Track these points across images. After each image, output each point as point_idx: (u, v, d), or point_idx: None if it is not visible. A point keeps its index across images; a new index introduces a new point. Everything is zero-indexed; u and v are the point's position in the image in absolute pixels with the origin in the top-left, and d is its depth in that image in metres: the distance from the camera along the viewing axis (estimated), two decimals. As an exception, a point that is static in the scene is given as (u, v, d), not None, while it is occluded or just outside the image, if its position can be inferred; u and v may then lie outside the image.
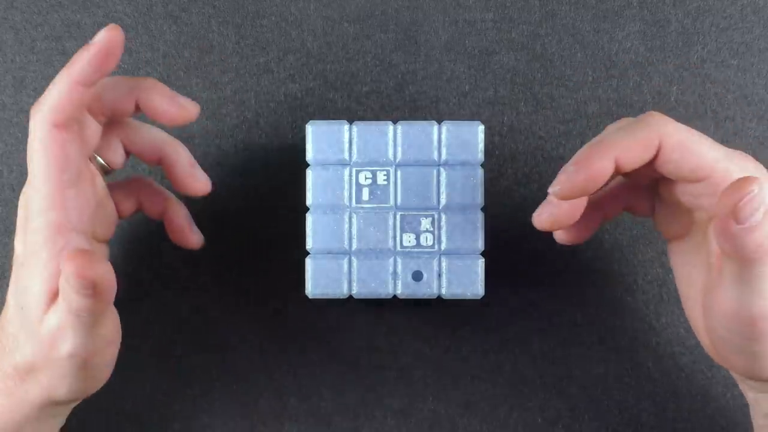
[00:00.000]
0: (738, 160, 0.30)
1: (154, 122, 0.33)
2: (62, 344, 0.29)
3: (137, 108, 0.32)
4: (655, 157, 0.30)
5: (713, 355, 0.32)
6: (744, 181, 0.27)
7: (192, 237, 0.36)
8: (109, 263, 0.28)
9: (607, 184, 0.32)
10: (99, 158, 0.33)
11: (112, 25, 0.29)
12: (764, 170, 0.30)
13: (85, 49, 0.29)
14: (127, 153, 0.34)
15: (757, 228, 0.26)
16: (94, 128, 0.32)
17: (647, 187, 0.34)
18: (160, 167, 0.35)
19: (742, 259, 0.27)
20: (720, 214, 0.27)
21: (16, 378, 0.30)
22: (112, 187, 0.34)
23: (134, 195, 0.36)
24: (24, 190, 0.31)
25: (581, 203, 0.32)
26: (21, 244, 0.31)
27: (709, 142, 0.30)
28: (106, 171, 0.34)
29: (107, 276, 0.28)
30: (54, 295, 0.29)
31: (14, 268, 0.31)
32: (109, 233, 0.34)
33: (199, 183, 0.34)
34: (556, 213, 0.32)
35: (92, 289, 0.27)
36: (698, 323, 0.32)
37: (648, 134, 0.29)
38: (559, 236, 0.35)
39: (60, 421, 0.33)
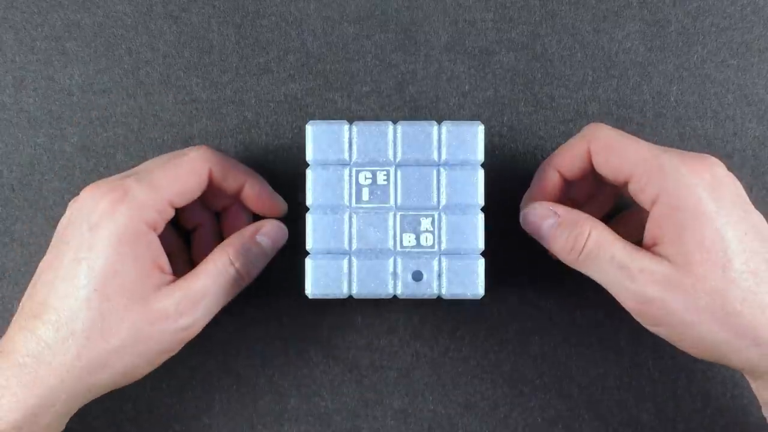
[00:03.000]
0: (666, 157, 0.31)
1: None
2: (186, 315, 0.32)
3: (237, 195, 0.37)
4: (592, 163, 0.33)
5: None
6: (524, 207, 0.35)
7: None
8: None
9: (583, 195, 0.37)
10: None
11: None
12: (695, 170, 0.30)
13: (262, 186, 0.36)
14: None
15: (551, 239, 0.33)
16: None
17: (631, 216, 0.37)
18: None
19: (576, 267, 0.33)
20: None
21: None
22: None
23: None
24: (120, 182, 0.32)
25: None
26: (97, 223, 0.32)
27: (636, 143, 0.32)
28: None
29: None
30: (159, 277, 0.32)
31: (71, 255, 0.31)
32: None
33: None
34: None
35: (277, 248, 0.36)
36: None
37: (578, 142, 0.33)
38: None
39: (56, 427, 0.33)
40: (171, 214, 0.33)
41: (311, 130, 0.35)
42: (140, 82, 0.40)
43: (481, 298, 0.35)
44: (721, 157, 0.35)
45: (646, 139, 0.39)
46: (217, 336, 0.39)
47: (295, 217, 0.38)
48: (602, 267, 0.31)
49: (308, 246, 0.35)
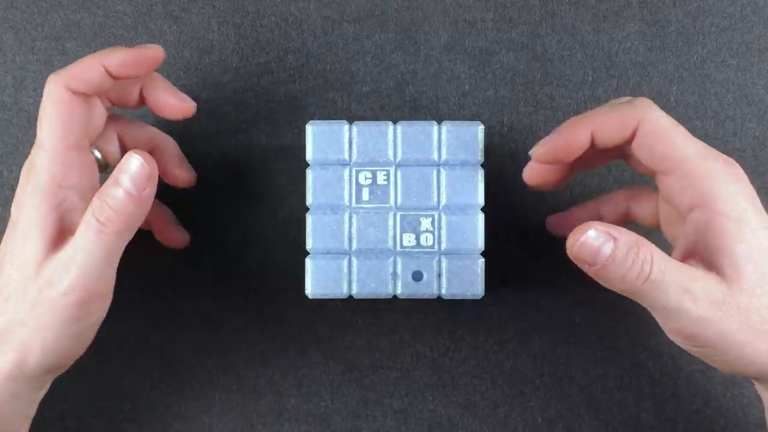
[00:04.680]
0: (714, 160, 0.30)
1: (155, 115, 0.35)
2: (62, 278, 0.30)
3: (141, 100, 0.34)
4: (632, 139, 0.30)
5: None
6: (574, 232, 0.28)
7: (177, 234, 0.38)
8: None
9: (588, 158, 0.33)
10: (96, 152, 0.34)
11: (160, 48, 0.33)
12: (736, 178, 0.30)
13: (124, 48, 0.32)
14: (123, 149, 0.36)
15: (608, 265, 0.28)
16: (100, 112, 0.33)
17: (649, 197, 0.35)
18: None
19: (628, 294, 0.29)
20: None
21: None
22: None
23: None
24: (29, 158, 0.32)
25: (561, 170, 0.34)
26: (17, 207, 0.31)
27: (688, 137, 0.30)
28: (101, 168, 0.35)
29: (156, 181, 0.31)
30: (53, 244, 0.30)
31: (6, 232, 0.31)
32: None
33: (186, 174, 0.37)
34: (536, 171, 0.34)
35: (146, 184, 0.30)
36: None
37: (627, 114, 0.30)
38: (550, 228, 0.37)
39: (22, 408, 0.32)
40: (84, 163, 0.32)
41: (311, 130, 0.35)
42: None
43: (481, 298, 0.35)
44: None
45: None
46: (217, 336, 0.39)
47: (295, 217, 0.38)
48: (665, 292, 0.28)
49: (308, 246, 0.35)
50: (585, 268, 0.29)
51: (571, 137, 0.31)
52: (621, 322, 0.39)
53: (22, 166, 0.39)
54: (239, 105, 0.39)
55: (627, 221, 0.36)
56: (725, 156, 0.30)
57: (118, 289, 0.32)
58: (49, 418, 0.38)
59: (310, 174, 0.35)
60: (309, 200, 0.35)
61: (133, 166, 0.30)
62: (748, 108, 0.39)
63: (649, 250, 0.28)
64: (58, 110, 0.31)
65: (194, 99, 0.39)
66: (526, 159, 0.39)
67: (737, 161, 0.39)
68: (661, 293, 0.28)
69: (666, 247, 0.38)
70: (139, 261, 0.39)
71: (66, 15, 0.40)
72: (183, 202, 0.39)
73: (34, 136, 0.40)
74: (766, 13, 0.39)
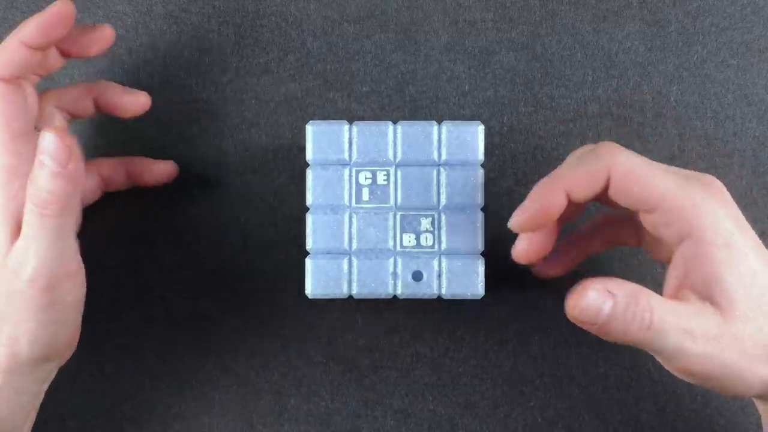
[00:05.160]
0: (694, 188, 0.29)
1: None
2: (24, 268, 0.30)
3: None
4: (607, 187, 0.30)
5: None
6: (573, 296, 0.28)
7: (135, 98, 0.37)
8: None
9: (574, 214, 0.33)
10: None
11: (67, 2, 0.32)
12: (719, 201, 0.29)
13: (35, 16, 0.32)
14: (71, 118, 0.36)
15: (611, 321, 0.28)
16: (30, 92, 0.33)
17: (630, 219, 0.34)
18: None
19: (629, 344, 0.29)
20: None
21: None
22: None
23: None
24: None
25: (549, 236, 0.33)
26: None
27: (662, 172, 0.30)
28: None
29: (79, 154, 0.30)
30: (15, 233, 0.30)
31: None
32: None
33: (135, 97, 0.36)
34: (527, 247, 0.33)
35: (68, 158, 0.29)
36: None
37: (595, 166, 0.30)
38: (537, 272, 0.37)
39: (26, 401, 0.32)
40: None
41: (311, 130, 0.35)
42: (140, 82, 0.39)
43: (481, 298, 0.35)
44: (721, 157, 0.35)
45: (646, 140, 0.39)
46: (217, 336, 0.39)
47: (295, 217, 0.38)
48: (666, 336, 0.28)
49: (308, 246, 0.35)
50: (586, 327, 0.29)
51: (547, 201, 0.31)
52: (621, 322, 0.39)
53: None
54: (239, 105, 0.39)
55: (613, 246, 0.36)
56: (703, 176, 0.30)
57: (117, 290, 0.32)
58: (49, 418, 0.37)
59: (310, 174, 0.35)
60: (309, 200, 0.35)
61: (49, 144, 0.30)
62: (748, 108, 0.39)
63: (647, 298, 0.28)
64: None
65: (194, 99, 0.39)
66: (526, 159, 0.39)
67: (737, 161, 0.39)
68: (663, 338, 0.28)
69: (650, 263, 0.39)
70: (139, 261, 0.39)
71: (66, 15, 0.40)
72: (183, 202, 0.39)
73: (34, 136, 0.40)
74: (766, 13, 0.39)
